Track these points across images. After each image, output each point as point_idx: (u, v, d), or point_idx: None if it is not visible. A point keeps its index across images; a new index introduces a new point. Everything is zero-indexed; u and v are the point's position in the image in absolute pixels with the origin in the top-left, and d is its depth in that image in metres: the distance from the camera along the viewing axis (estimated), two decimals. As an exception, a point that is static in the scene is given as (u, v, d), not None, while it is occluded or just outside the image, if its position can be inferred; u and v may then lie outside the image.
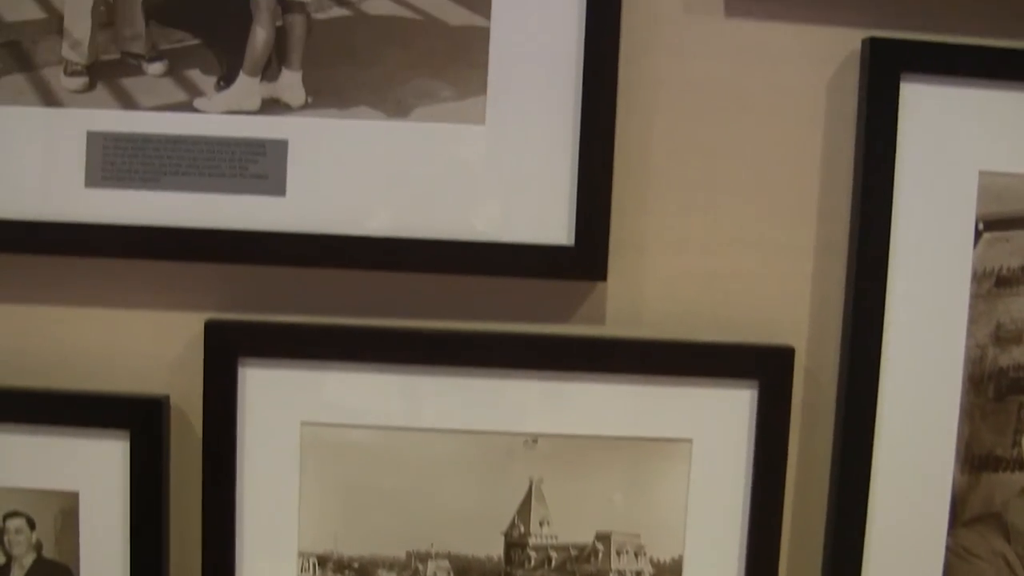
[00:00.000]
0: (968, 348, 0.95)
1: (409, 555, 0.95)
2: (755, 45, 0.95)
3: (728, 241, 0.95)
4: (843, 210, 0.95)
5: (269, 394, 0.94)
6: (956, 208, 0.95)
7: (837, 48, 0.95)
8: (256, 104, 0.94)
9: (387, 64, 0.93)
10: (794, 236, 0.96)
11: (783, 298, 0.96)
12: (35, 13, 0.95)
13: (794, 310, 0.96)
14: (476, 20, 0.93)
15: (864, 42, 0.94)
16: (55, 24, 0.94)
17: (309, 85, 0.93)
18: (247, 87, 0.94)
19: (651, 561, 0.95)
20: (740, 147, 0.95)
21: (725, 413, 0.94)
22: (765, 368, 0.94)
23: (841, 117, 0.95)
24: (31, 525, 0.95)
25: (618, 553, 0.95)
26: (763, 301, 0.96)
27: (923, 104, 0.94)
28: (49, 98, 0.94)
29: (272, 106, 0.93)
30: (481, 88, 0.93)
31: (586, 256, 0.93)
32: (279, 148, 0.93)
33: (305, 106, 0.93)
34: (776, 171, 0.95)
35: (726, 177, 0.95)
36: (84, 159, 0.94)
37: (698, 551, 0.95)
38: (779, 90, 0.95)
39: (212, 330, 0.93)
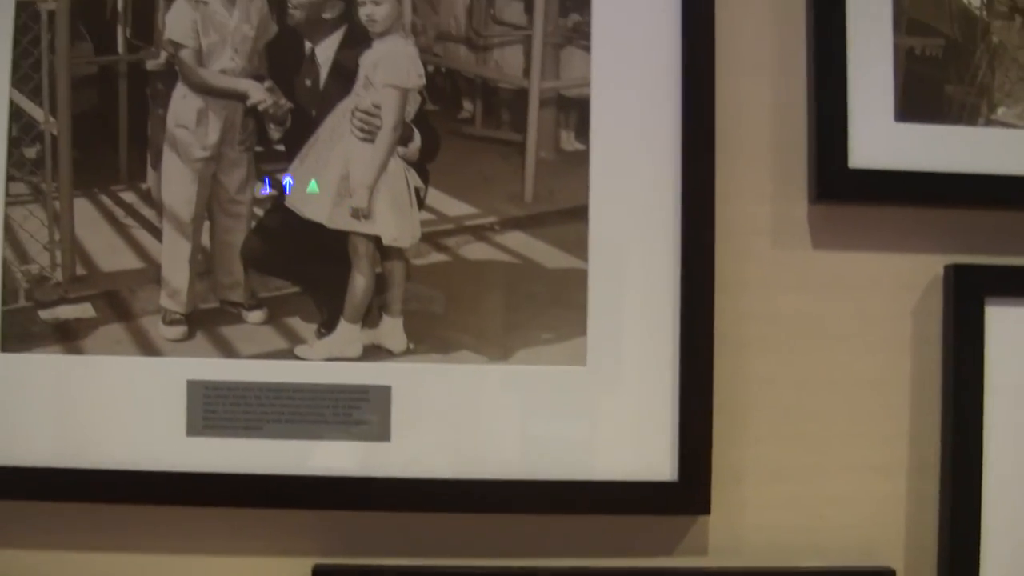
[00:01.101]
0: (1062, 562, 0.97)
1: None
2: (841, 275, 0.98)
3: (823, 467, 0.97)
4: (934, 431, 0.98)
5: (378, 639, 0.94)
6: (1044, 425, 0.97)
7: (920, 275, 0.98)
8: (358, 351, 0.95)
9: (487, 308, 0.95)
10: (887, 458, 0.98)
11: (879, 519, 0.98)
12: (133, 263, 0.96)
13: (890, 531, 0.98)
14: (574, 263, 0.95)
15: (947, 268, 0.97)
16: (153, 273, 0.95)
17: (410, 330, 0.94)
18: (348, 334, 0.95)
19: None
20: (830, 375, 0.97)
21: (829, 638, 0.95)
22: (866, 592, 0.95)
23: (927, 341, 0.98)
24: None
25: None
26: (860, 523, 0.97)
27: (1008, 325, 0.97)
28: (148, 347, 0.95)
29: (374, 352, 0.95)
30: (581, 330, 0.95)
31: (690, 491, 0.94)
32: (382, 394, 0.94)
33: (407, 351, 0.94)
34: (866, 396, 0.98)
35: (818, 404, 0.97)
36: (185, 408, 0.94)
37: None
38: (866, 318, 0.98)
39: (319, 576, 0.93)
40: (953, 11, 0.98)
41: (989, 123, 0.98)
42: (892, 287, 0.98)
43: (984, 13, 0.99)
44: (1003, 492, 0.96)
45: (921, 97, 0.98)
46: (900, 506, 0.98)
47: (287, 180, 0.94)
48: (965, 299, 0.97)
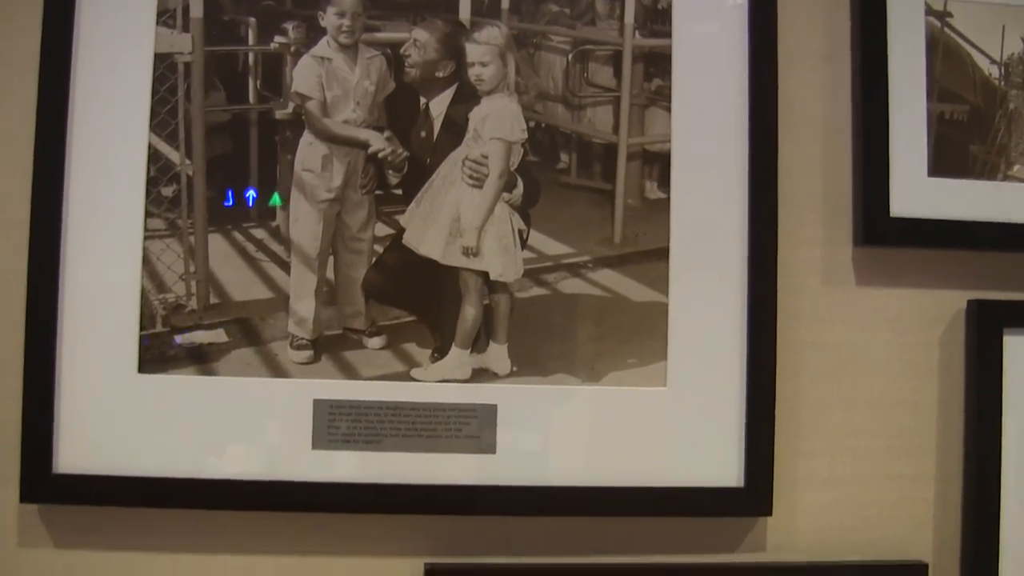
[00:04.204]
0: (1067, 556, 1.13)
1: None
2: (880, 309, 1.13)
3: (865, 476, 1.12)
4: (958, 444, 1.13)
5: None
6: (1054, 439, 1.13)
7: (947, 308, 1.14)
8: (467, 373, 1.07)
9: (581, 336, 1.08)
10: (918, 468, 1.13)
11: (912, 521, 1.13)
12: (263, 293, 1.06)
13: (922, 530, 1.13)
14: (656, 296, 1.08)
15: (970, 303, 1.13)
16: (281, 303, 1.06)
17: (514, 356, 1.07)
18: (459, 359, 1.07)
19: None
20: (870, 396, 1.12)
21: (870, 624, 1.10)
22: (903, 582, 1.11)
23: (953, 366, 1.13)
24: None
25: None
26: (896, 524, 1.13)
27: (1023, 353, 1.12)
28: (277, 370, 1.06)
29: (481, 375, 1.07)
30: (662, 355, 1.08)
31: (754, 496, 1.08)
32: (489, 412, 1.06)
33: (511, 374, 1.07)
34: (901, 414, 1.13)
35: (861, 422, 1.12)
36: (311, 424, 1.05)
37: None
38: (900, 346, 1.13)
39: (432, 574, 1.05)
40: (976, 81, 1.14)
41: (1006, 178, 1.14)
42: (923, 319, 1.13)
43: (1002, 83, 1.15)
44: (1019, 497, 1.12)
45: (949, 156, 1.13)
46: (929, 509, 1.13)
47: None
48: (985, 330, 1.12)
